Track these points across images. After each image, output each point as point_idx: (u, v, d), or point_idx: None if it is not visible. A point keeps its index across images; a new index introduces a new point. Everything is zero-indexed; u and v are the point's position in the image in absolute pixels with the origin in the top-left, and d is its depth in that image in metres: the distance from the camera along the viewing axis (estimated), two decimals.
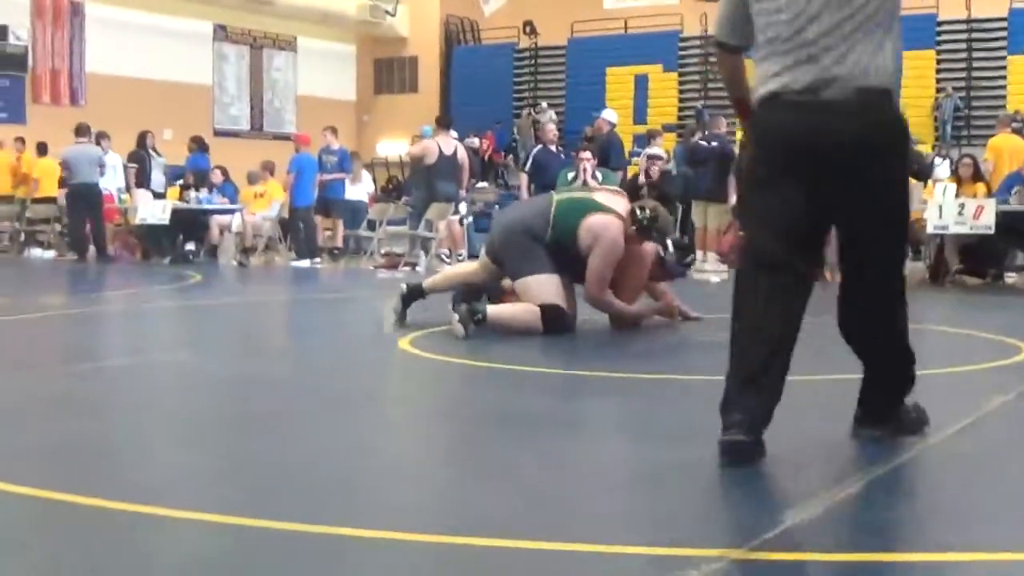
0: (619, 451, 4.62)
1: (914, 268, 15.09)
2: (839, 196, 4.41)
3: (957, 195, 14.66)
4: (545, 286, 8.25)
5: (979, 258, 14.55)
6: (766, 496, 3.72)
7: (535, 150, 18.29)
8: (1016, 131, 18.50)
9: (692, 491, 3.86)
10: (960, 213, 13.85)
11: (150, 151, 21.46)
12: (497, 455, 4.45)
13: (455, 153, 17.97)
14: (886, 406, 4.74)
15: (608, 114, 19.79)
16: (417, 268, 17.30)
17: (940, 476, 4.19)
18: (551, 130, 18.91)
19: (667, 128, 23.77)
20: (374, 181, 26.83)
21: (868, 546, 3.16)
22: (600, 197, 8.80)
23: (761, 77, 4.48)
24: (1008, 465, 4.44)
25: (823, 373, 6.91)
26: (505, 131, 34.09)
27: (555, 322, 8.15)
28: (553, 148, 18.13)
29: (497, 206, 21.51)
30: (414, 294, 8.83)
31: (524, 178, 17.77)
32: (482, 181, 29.77)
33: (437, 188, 17.67)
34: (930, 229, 14.29)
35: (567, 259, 8.32)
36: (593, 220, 8.35)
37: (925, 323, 10.34)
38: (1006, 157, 15.54)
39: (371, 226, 19.81)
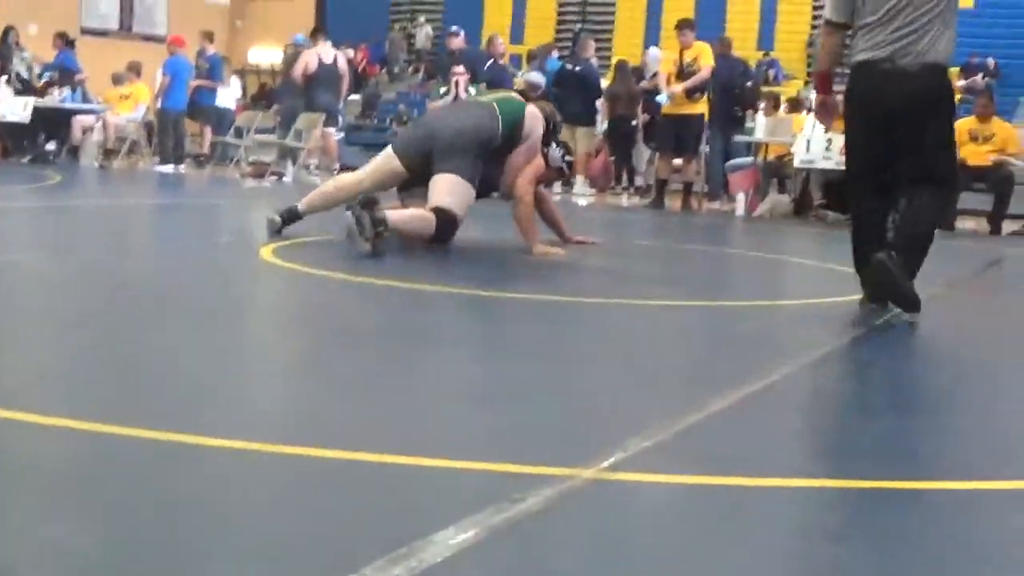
0: (477, 368, 4.62)
1: (779, 201, 15.31)
2: (905, 130, 6.33)
3: (827, 130, 14.80)
4: (459, 190, 8.26)
5: (843, 194, 14.76)
6: (617, 418, 3.74)
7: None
8: None
9: (546, 410, 3.87)
10: (828, 147, 14.05)
11: (12, 46, 20.91)
12: (354, 369, 4.42)
13: (335, 62, 17.80)
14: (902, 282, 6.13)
15: (496, 38, 19.71)
16: (284, 178, 17.18)
17: (793, 404, 4.24)
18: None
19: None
20: (243, 88, 26.48)
21: (715, 470, 3.20)
22: (512, 94, 9.34)
23: (856, 49, 6.55)
24: (858, 395, 4.53)
25: (686, 300, 6.99)
26: (380, 45, 33.88)
27: (447, 228, 8.15)
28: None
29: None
30: (290, 218, 8.70)
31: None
32: (354, 94, 29.53)
33: (315, 98, 17.51)
34: (797, 163, 14.51)
35: (499, 160, 8.55)
36: (530, 110, 8.71)
37: (787, 255, 10.53)
38: None
39: (238, 133, 19.58)
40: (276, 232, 8.54)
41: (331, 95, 17.70)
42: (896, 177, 6.40)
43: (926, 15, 6.29)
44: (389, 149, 8.84)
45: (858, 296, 6.63)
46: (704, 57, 15.13)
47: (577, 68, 17.54)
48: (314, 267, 7.27)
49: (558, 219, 9.32)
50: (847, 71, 6.73)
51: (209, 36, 20.19)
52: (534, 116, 8.73)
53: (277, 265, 7.25)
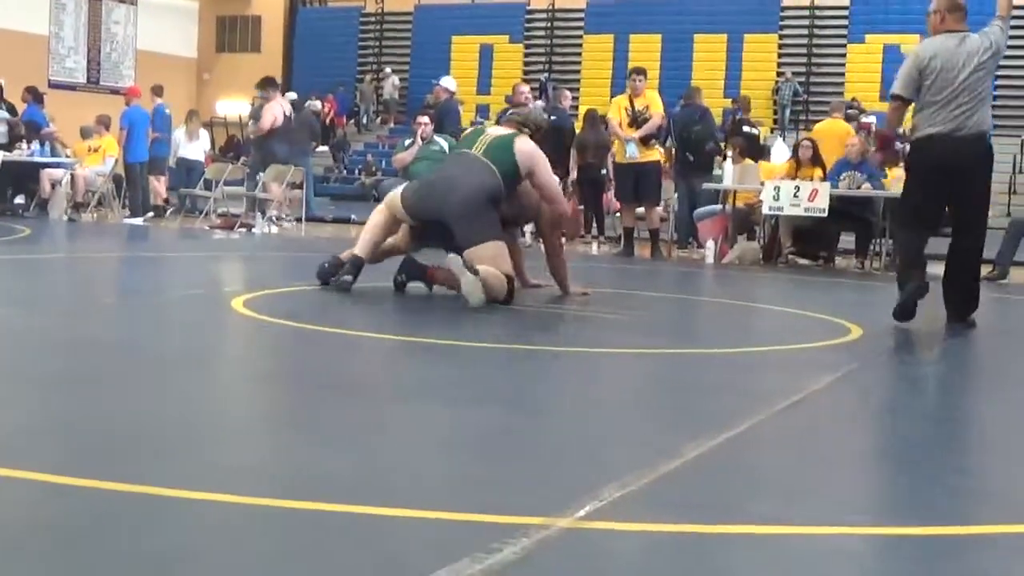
0: (453, 418, 4.62)
1: (748, 248, 15.35)
2: (957, 189, 8.13)
3: (794, 176, 14.91)
4: (500, 254, 8.40)
5: (811, 240, 14.86)
6: (591, 466, 3.75)
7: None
8: (851, 117, 18.91)
9: (521, 459, 3.88)
10: (796, 195, 14.13)
11: None
12: (329, 419, 4.41)
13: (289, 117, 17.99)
14: (968, 312, 8.31)
15: (446, 81, 19.62)
16: (253, 229, 17.16)
17: (766, 451, 4.26)
18: (524, 93, 17.89)
19: (508, 99, 23.77)
20: (212, 140, 26.49)
21: (689, 518, 3.20)
22: (494, 130, 9.36)
23: (921, 124, 8.17)
24: (831, 442, 4.54)
25: (660, 347, 7.00)
26: (347, 95, 33.94)
27: (512, 295, 8.37)
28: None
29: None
30: (355, 269, 8.79)
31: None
32: (322, 145, 29.57)
33: (275, 150, 17.59)
34: (765, 210, 14.56)
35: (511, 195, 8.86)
36: (519, 144, 8.88)
37: (759, 302, 10.55)
38: (830, 143, 15.80)
39: (207, 185, 19.59)
40: (346, 290, 8.58)
41: (285, 147, 17.86)
42: (935, 224, 8.59)
43: (976, 98, 8.04)
44: (398, 197, 8.94)
45: (832, 341, 6.66)
46: (654, 105, 15.17)
47: (552, 117, 17.52)
48: (285, 318, 7.27)
49: (563, 270, 9.44)
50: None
51: (156, 90, 20.24)
52: (526, 153, 8.83)
53: (249, 317, 7.24)
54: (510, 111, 9.31)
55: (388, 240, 9.01)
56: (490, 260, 8.30)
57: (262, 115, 18.04)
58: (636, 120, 14.96)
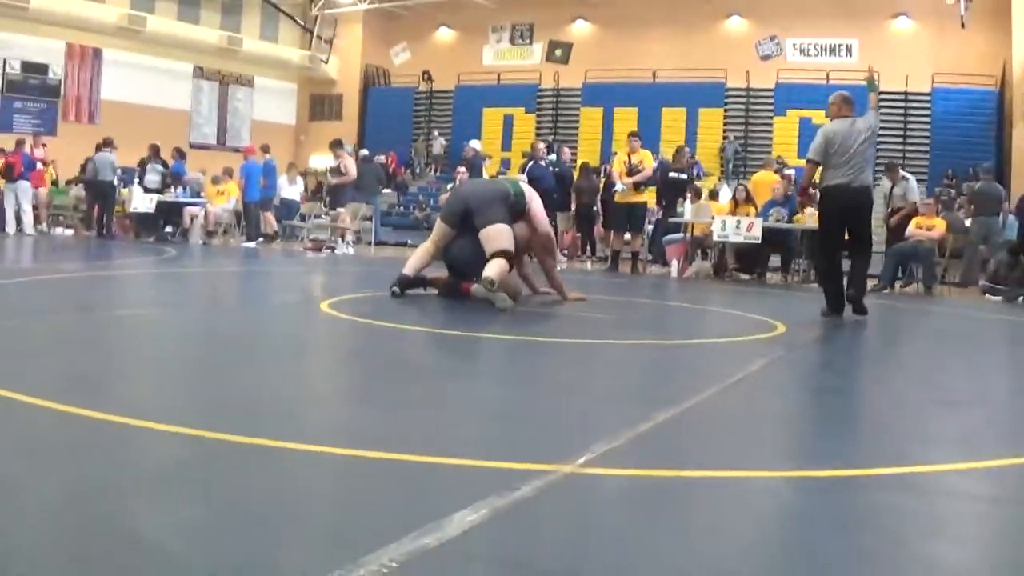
0: (478, 391, 4.61)
1: (702, 266, 15.32)
2: (853, 222, 8.82)
3: (734, 213, 14.90)
4: (505, 233, 8.66)
5: (749, 260, 14.83)
6: (586, 427, 3.74)
7: (532, 165, 16.80)
8: (777, 171, 18.85)
9: (531, 421, 3.87)
10: (737, 226, 14.15)
11: (150, 158, 20.66)
12: (393, 394, 4.41)
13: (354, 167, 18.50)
14: (861, 306, 8.81)
15: (473, 143, 20.09)
16: (335, 251, 17.18)
17: (717, 416, 4.24)
18: (541, 149, 17.32)
19: (526, 154, 23.77)
20: (306, 186, 26.53)
21: (665, 465, 3.19)
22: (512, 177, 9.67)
23: (828, 177, 8.80)
24: (765, 409, 4.52)
25: (636, 339, 6.98)
26: (405, 151, 34.05)
27: (511, 260, 8.61)
28: (543, 163, 16.89)
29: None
30: (412, 284, 8.92)
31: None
32: (387, 188, 29.55)
33: (347, 193, 17.98)
34: (715, 237, 14.54)
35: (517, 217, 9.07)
36: (525, 187, 9.35)
37: (708, 306, 10.52)
38: (763, 189, 15.97)
39: (302, 218, 19.68)
40: (399, 295, 8.66)
41: (355, 191, 18.16)
42: (841, 245, 9.01)
43: (864, 160, 8.74)
44: (439, 220, 9.24)
45: (763, 335, 6.63)
46: (647, 160, 15.16)
47: (558, 169, 17.57)
48: (363, 317, 7.27)
49: (559, 281, 9.51)
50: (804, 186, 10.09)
51: (265, 148, 20.24)
52: (529, 190, 9.27)
53: (335, 316, 7.25)
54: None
55: (436, 274, 9.18)
56: (497, 239, 8.56)
57: (347, 168, 18.10)
58: (631, 170, 14.98)
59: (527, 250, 9.70)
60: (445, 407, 4.10)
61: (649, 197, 16.03)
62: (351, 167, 18.21)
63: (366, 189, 18.80)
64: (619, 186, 15.11)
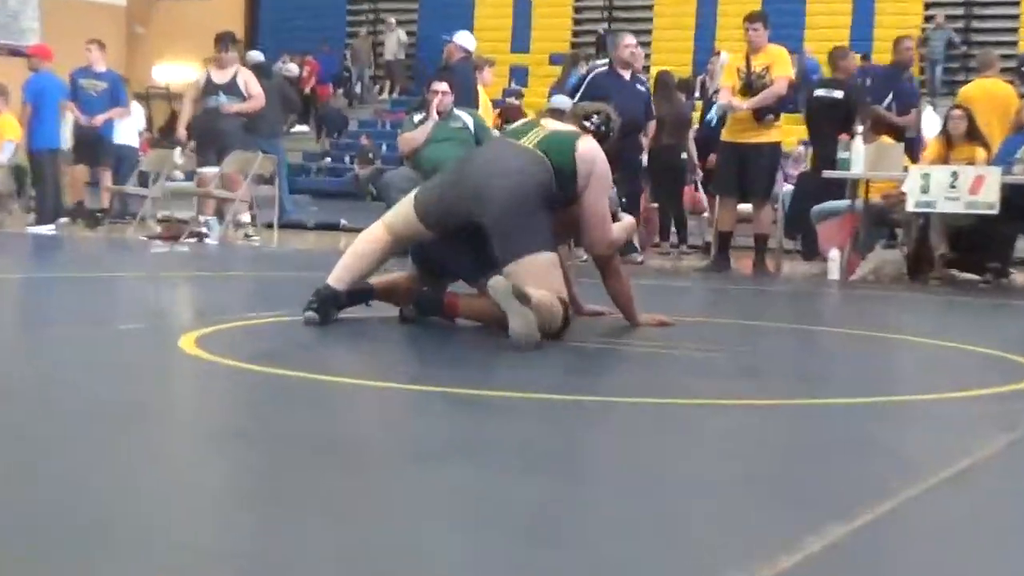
0: (491, 489, 4.60)
1: (886, 258, 15.31)
2: None
3: (947, 160, 14.76)
4: (552, 270, 8.39)
5: (976, 247, 14.75)
6: (683, 566, 3.73)
7: (596, 72, 16.51)
8: (1012, 81, 18.74)
9: (583, 547, 3.85)
10: (952, 185, 13.96)
11: None
12: (318, 494, 4.38)
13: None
14: None
15: (461, 37, 18.88)
16: (207, 240, 17.19)
17: (919, 542, 4.21)
18: (628, 48, 16.54)
19: (554, 60, 23.76)
20: (149, 118, 26.61)
21: None
22: (552, 123, 9.10)
23: None
24: (1013, 522, 4.49)
25: (770, 398, 6.99)
26: (334, 56, 34.09)
27: (568, 324, 8.28)
28: (627, 75, 16.34)
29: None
30: (347, 301, 8.69)
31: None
32: (300, 123, 29.67)
33: (237, 132, 17.84)
34: (911, 206, 14.44)
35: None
36: (582, 147, 8.71)
37: (903, 332, 10.53)
38: (987, 111, 15.57)
39: (143, 180, 19.65)
40: (321, 322, 8.40)
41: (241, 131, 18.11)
42: None
43: None
44: (410, 209, 8.79)
45: (1007, 387, 6.68)
46: (778, 65, 15.00)
47: (641, 86, 16.98)
48: (254, 362, 7.26)
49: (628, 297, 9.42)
50: None
51: (100, 46, 19.90)
52: (587, 159, 8.71)
53: (203, 360, 7.24)
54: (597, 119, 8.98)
55: (387, 277, 9.03)
56: (540, 278, 8.17)
57: (250, 88, 18.12)
58: (751, 85, 14.82)
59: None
60: (424, 517, 4.07)
61: (785, 134, 16.03)
62: (255, 87, 18.25)
63: (261, 126, 18.87)
64: (729, 110, 15.07)
